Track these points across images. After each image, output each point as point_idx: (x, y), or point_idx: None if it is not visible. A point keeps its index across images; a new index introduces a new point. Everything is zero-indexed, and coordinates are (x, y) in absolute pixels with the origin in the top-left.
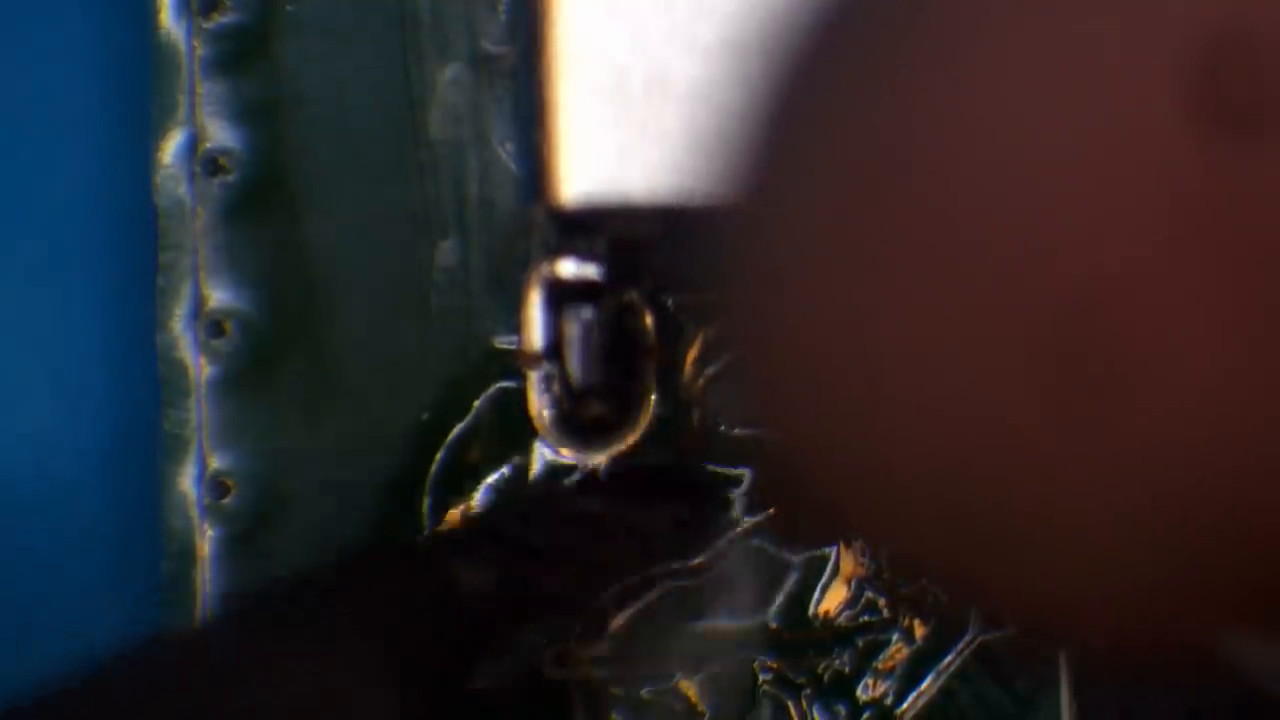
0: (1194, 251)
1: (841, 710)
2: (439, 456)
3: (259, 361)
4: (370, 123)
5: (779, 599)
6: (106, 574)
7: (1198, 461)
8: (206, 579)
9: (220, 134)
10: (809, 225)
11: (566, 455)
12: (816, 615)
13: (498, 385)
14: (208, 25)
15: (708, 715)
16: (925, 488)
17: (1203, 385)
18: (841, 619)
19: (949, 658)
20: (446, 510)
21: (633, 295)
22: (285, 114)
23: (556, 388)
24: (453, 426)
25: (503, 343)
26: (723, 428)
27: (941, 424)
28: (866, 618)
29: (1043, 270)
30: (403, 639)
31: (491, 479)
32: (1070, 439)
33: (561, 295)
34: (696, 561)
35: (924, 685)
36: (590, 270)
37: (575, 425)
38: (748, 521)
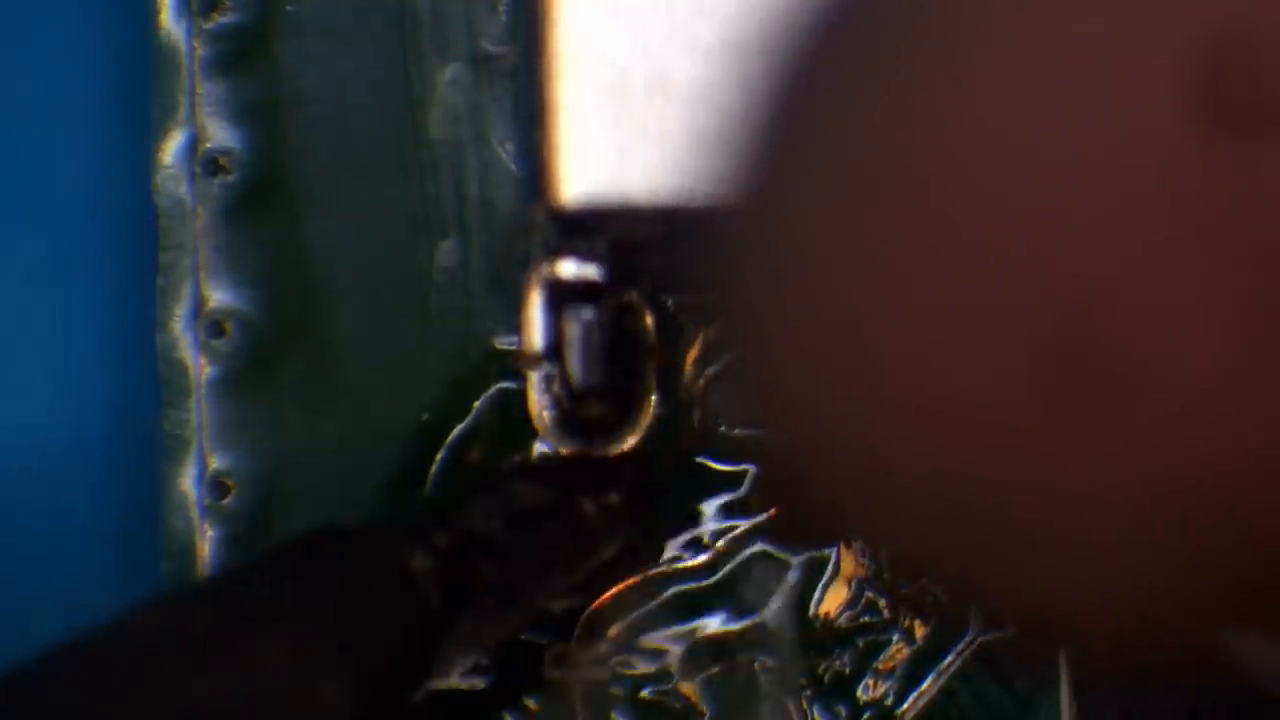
0: (1194, 252)
1: (842, 710)
2: (439, 457)
3: (259, 361)
4: (370, 123)
5: (779, 599)
6: (106, 574)
7: (1198, 461)
8: None
9: (220, 134)
10: (809, 226)
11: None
12: (817, 615)
13: (498, 386)
14: (208, 25)
15: (708, 715)
16: (925, 488)
17: (1203, 385)
18: (842, 619)
19: (949, 658)
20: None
21: (633, 296)
22: (285, 114)
23: (557, 388)
24: (453, 427)
25: (503, 343)
26: (723, 428)
27: (942, 424)
28: (867, 618)
29: (1042, 270)
30: (357, 625)
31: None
32: (1070, 439)
33: (562, 296)
34: (694, 562)
35: (924, 685)
36: (590, 271)
37: (575, 426)
38: (748, 522)
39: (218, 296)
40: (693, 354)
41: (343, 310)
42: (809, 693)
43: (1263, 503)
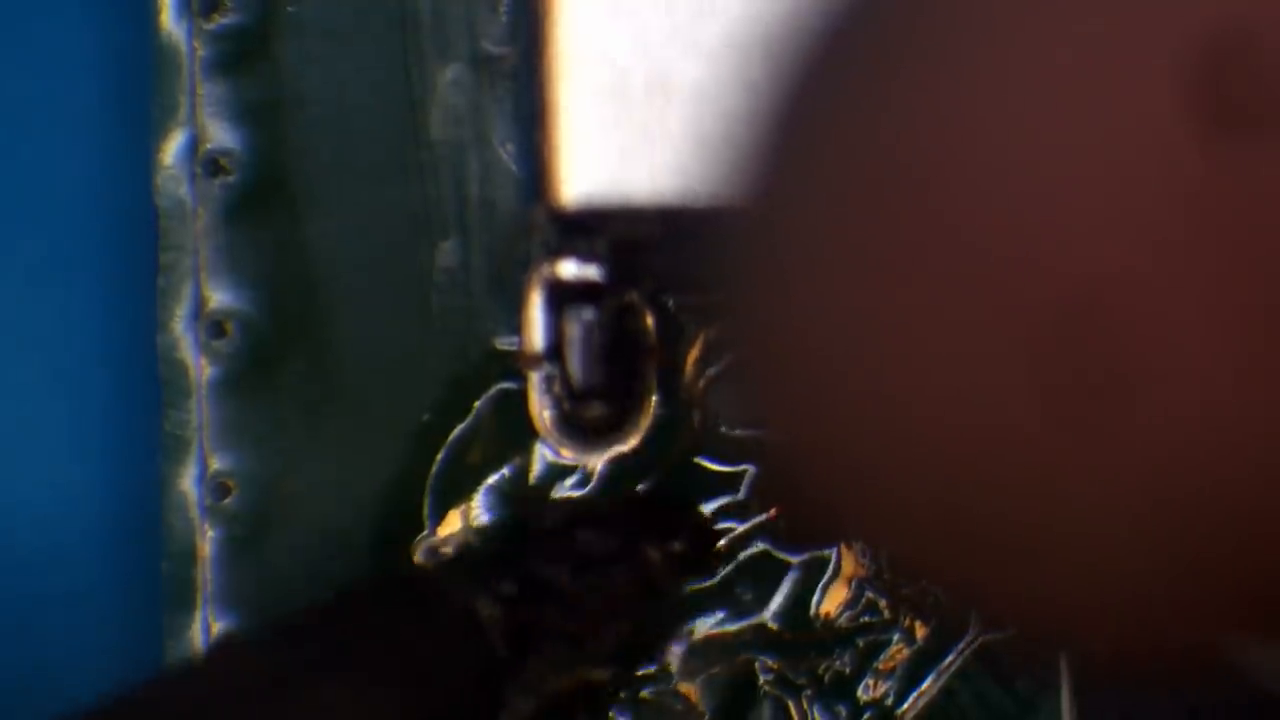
0: (1195, 253)
1: (842, 711)
2: (439, 457)
3: (260, 362)
4: (371, 123)
5: (779, 599)
6: (107, 574)
7: (1199, 464)
8: (207, 579)
9: (221, 135)
10: (811, 227)
11: (567, 456)
12: (817, 615)
13: (498, 386)
14: (208, 26)
15: (708, 715)
16: (926, 491)
17: (1204, 387)
18: (842, 619)
19: (950, 658)
20: (447, 512)
21: (634, 296)
22: (286, 115)
23: (557, 389)
24: (453, 427)
25: (504, 344)
26: (724, 429)
27: (943, 427)
28: (867, 618)
29: (1043, 272)
30: (421, 674)
31: (492, 480)
32: (1071, 442)
33: (562, 296)
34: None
35: (925, 685)
36: (591, 271)
37: (576, 426)
38: (748, 523)
39: (218, 297)
40: (694, 355)
41: (343, 311)
42: (809, 693)
43: (1264, 507)
